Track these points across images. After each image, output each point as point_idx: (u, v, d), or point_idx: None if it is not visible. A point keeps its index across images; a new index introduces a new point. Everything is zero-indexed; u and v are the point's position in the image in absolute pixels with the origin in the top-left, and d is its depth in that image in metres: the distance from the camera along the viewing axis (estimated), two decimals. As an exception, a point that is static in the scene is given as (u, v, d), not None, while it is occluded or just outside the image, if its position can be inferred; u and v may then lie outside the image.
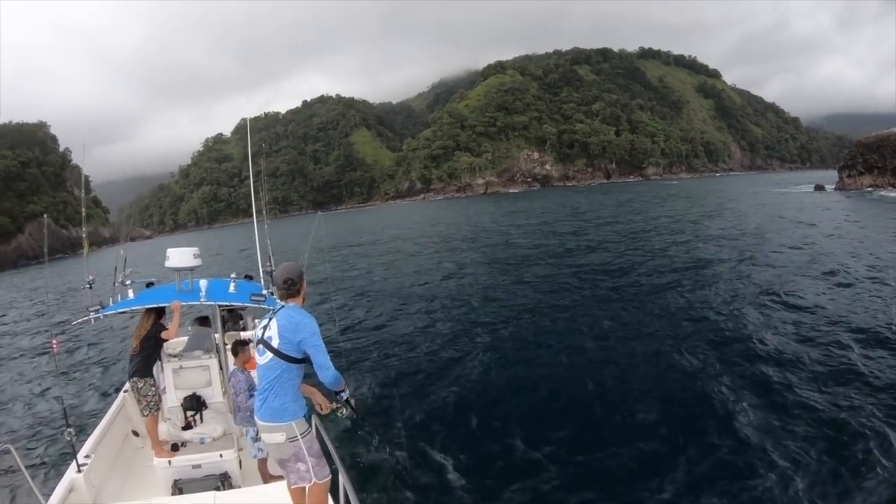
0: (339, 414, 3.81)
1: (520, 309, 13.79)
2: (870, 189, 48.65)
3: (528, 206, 63.34)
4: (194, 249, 5.76)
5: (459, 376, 9.50)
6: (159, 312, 5.64)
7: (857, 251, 17.95)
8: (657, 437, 6.82)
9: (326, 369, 3.36)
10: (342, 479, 3.61)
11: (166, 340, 5.68)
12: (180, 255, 5.67)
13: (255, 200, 9.00)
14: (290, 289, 3.58)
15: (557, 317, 12.70)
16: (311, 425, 3.63)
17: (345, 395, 3.71)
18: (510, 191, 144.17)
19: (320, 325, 3.52)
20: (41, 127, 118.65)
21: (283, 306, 3.57)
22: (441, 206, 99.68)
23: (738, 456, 6.27)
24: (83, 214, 7.47)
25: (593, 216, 41.59)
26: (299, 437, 3.46)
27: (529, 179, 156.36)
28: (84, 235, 8.23)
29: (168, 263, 5.66)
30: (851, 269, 15.06)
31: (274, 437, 3.45)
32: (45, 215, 70.54)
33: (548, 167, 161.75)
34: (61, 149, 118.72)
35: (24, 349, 16.61)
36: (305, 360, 3.45)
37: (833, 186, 55.87)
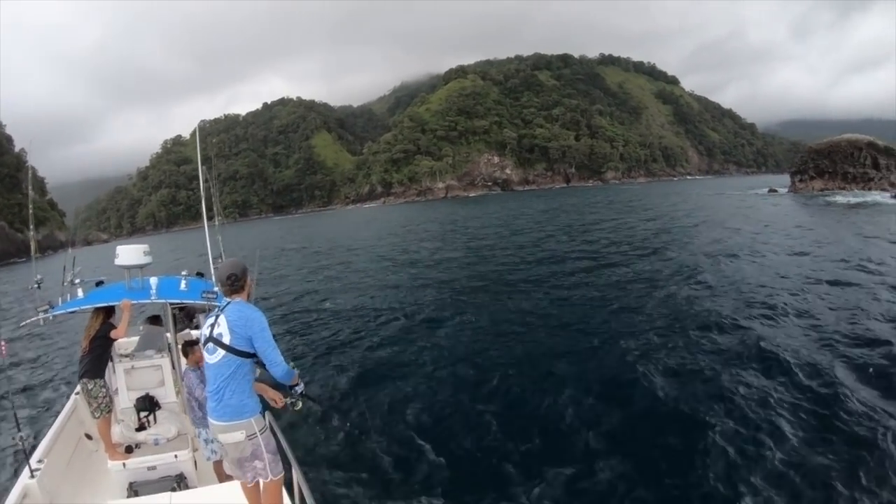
0: (294, 408, 3.73)
1: (472, 308, 14.04)
2: (820, 192, 50.42)
3: (486, 211, 63.56)
4: (144, 247, 5.72)
5: (413, 370, 9.73)
6: (108, 312, 5.50)
7: (799, 251, 18.85)
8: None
9: (277, 364, 3.33)
10: (296, 474, 3.62)
11: (115, 340, 5.54)
12: (130, 253, 5.62)
13: (204, 197, 8.91)
14: (233, 284, 3.50)
15: (504, 316, 12.94)
16: (266, 422, 3.55)
17: (299, 389, 3.67)
18: (470, 195, 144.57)
19: (270, 323, 3.49)
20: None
21: (229, 303, 3.50)
22: (401, 210, 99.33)
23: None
24: (30, 212, 7.35)
25: (547, 221, 41.90)
26: (258, 433, 3.42)
27: (490, 183, 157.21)
28: (31, 234, 7.88)
29: (118, 261, 5.61)
30: (790, 275, 15.36)
31: (233, 436, 3.38)
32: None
33: (508, 171, 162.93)
34: (17, 149, 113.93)
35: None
36: (257, 355, 3.40)
37: (786, 190, 57.84)
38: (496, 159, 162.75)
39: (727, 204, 47.03)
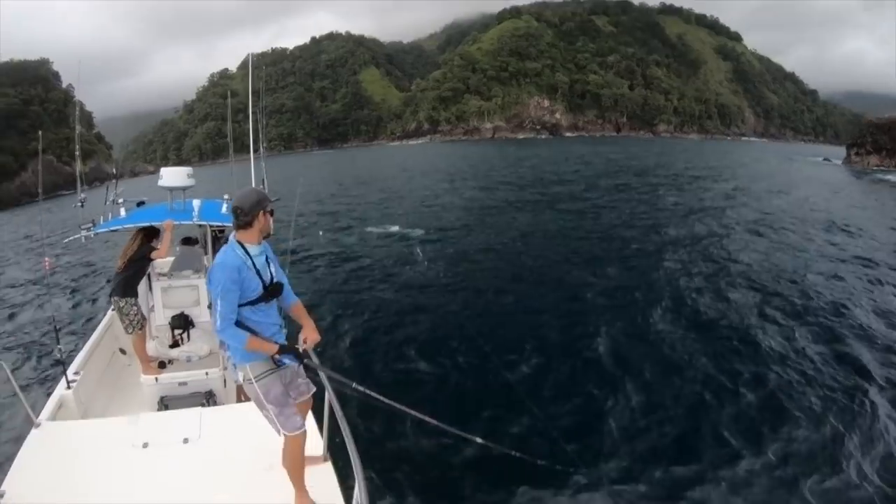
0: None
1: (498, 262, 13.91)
2: (874, 168, 48.98)
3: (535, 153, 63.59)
4: (188, 169, 5.83)
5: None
6: (148, 235, 5.53)
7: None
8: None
9: (213, 325, 2.99)
10: (329, 398, 3.37)
11: (154, 260, 5.62)
12: (173, 175, 5.72)
13: (251, 127, 8.50)
14: (237, 219, 3.05)
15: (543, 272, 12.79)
16: (274, 365, 3.14)
17: (283, 360, 3.18)
18: (518, 136, 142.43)
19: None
20: (44, 64, 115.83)
21: (229, 239, 3.11)
22: (449, 148, 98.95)
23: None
24: (76, 144, 7.36)
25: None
26: (253, 381, 3.10)
27: (538, 127, 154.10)
28: (77, 154, 7.92)
29: (161, 182, 5.70)
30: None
31: (238, 375, 3.21)
32: (40, 154, 69.35)
33: (557, 116, 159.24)
34: (64, 85, 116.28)
35: (15, 268, 16.82)
36: (256, 301, 3.07)
37: (840, 162, 56.61)
38: (546, 103, 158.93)
39: (779, 168, 47.04)
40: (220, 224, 5.95)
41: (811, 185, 31.69)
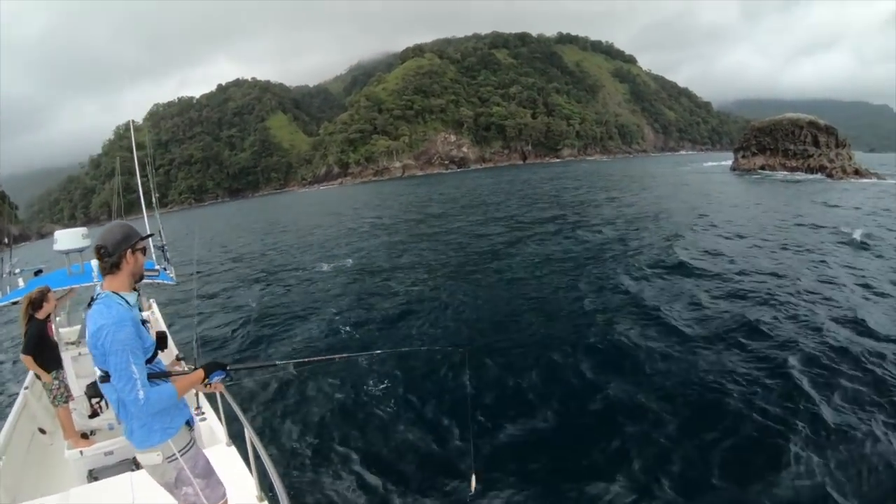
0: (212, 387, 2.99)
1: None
2: (760, 169, 54.11)
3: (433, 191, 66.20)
4: (82, 230, 5.81)
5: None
6: (33, 307, 5.34)
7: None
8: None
9: (132, 402, 2.37)
10: (250, 436, 3.22)
11: (46, 333, 5.45)
12: (68, 237, 5.64)
13: (139, 181, 8.78)
14: (102, 260, 2.52)
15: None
16: (192, 437, 2.78)
17: (213, 378, 2.87)
18: (428, 173, 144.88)
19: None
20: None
21: (98, 294, 2.52)
22: (357, 190, 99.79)
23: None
24: None
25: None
26: (178, 455, 2.65)
27: (447, 162, 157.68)
28: None
29: (56, 247, 5.63)
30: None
31: (149, 457, 2.65)
32: None
33: (465, 149, 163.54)
34: None
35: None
36: (152, 358, 2.60)
37: (728, 164, 61.60)
38: (453, 138, 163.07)
39: (660, 175, 53.48)
40: None
41: (691, 190, 37.24)
